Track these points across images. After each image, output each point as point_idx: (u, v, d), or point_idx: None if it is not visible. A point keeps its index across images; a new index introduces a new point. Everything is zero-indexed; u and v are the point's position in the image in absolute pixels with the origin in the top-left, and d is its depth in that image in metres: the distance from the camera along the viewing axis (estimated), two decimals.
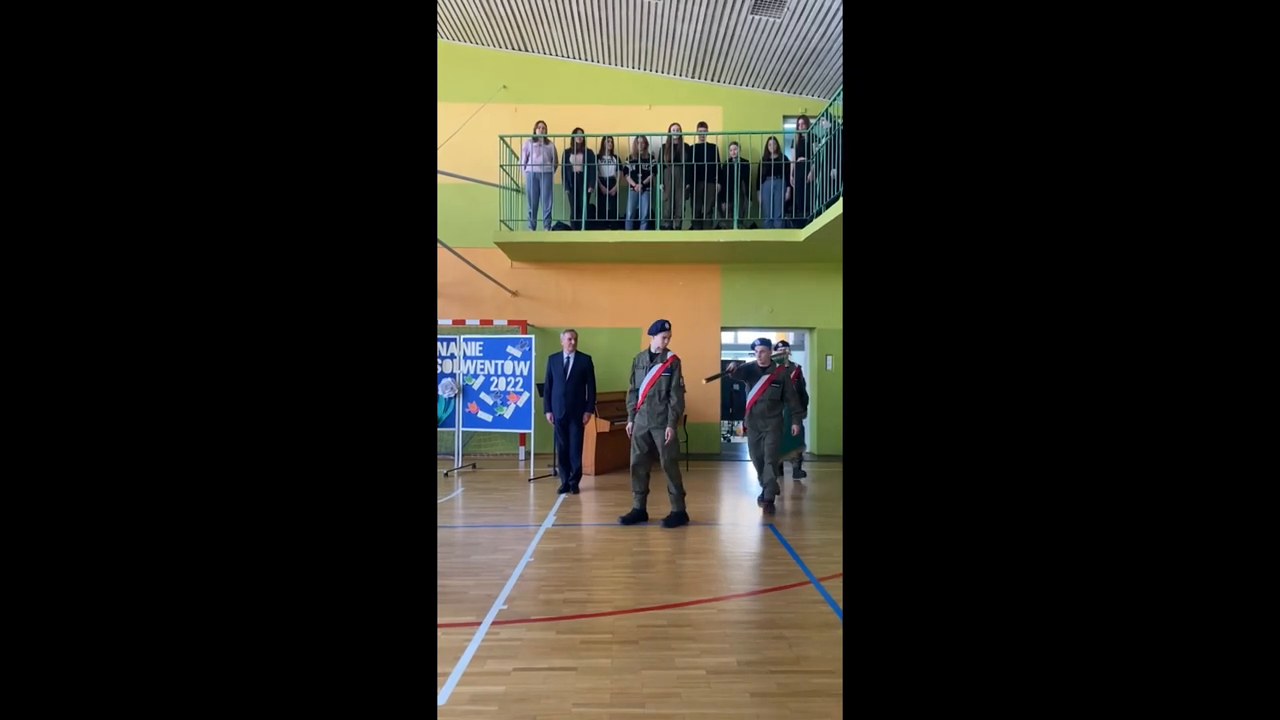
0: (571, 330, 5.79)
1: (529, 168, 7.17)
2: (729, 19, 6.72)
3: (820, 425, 7.96)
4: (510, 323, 7.56)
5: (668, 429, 4.58)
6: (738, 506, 5.27)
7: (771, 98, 8.10)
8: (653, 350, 4.68)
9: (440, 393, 6.47)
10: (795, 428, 5.56)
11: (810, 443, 7.93)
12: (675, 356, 4.68)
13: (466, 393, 6.58)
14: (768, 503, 5.11)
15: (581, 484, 5.97)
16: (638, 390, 4.66)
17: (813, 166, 6.92)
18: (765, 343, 5.37)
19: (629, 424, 4.75)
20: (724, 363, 6.52)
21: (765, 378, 5.23)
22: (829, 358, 8.00)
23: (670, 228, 7.12)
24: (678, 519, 4.56)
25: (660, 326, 4.70)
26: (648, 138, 7.38)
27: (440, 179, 5.33)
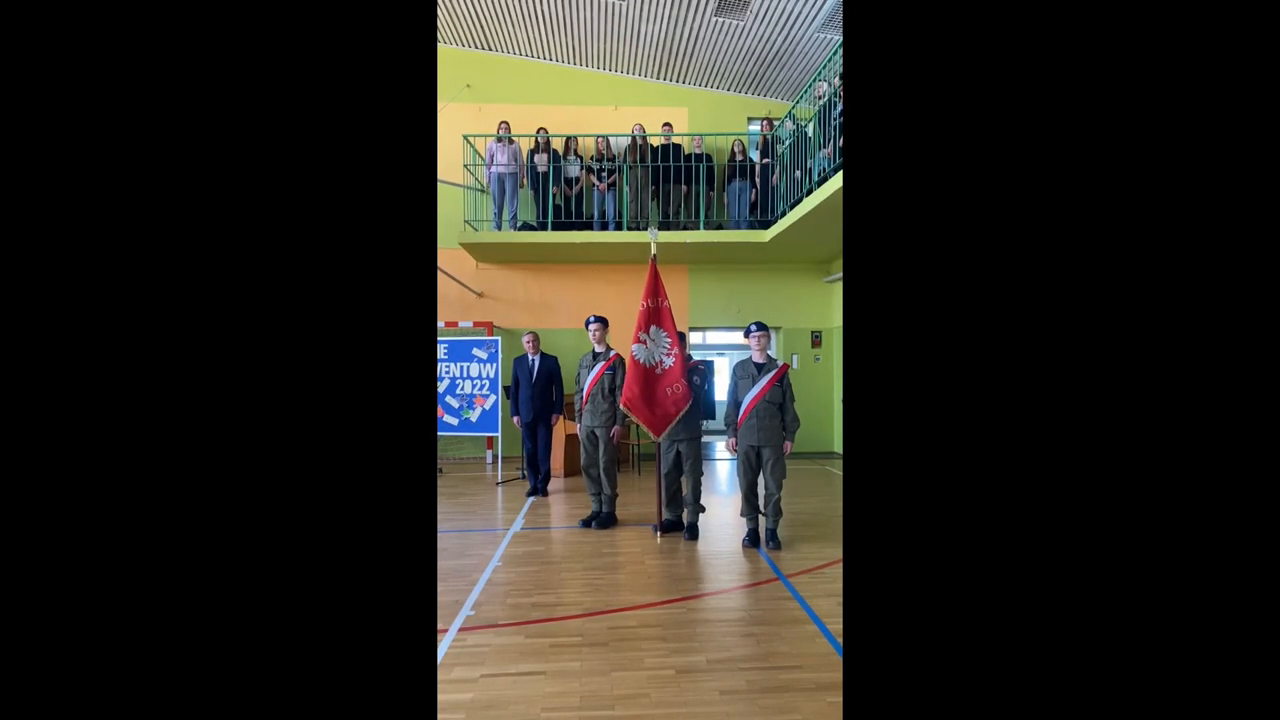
0: (533, 332, 5.71)
1: (493, 168, 7.10)
2: (693, 20, 6.76)
3: None
4: (476, 324, 7.48)
5: (614, 428, 4.57)
6: (706, 505, 5.29)
7: (736, 99, 8.17)
8: (596, 350, 4.66)
9: None
10: (789, 445, 3.97)
11: None
12: (618, 355, 4.64)
13: None
14: (770, 531, 4.02)
15: (550, 486, 5.93)
16: (583, 390, 4.64)
17: (777, 168, 6.99)
18: (763, 328, 4.00)
19: (577, 425, 4.73)
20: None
21: (768, 377, 3.90)
22: (795, 356, 8.09)
23: (637, 228, 7.12)
24: (607, 519, 4.58)
25: (590, 320, 4.67)
26: (610, 138, 7.37)
27: None
